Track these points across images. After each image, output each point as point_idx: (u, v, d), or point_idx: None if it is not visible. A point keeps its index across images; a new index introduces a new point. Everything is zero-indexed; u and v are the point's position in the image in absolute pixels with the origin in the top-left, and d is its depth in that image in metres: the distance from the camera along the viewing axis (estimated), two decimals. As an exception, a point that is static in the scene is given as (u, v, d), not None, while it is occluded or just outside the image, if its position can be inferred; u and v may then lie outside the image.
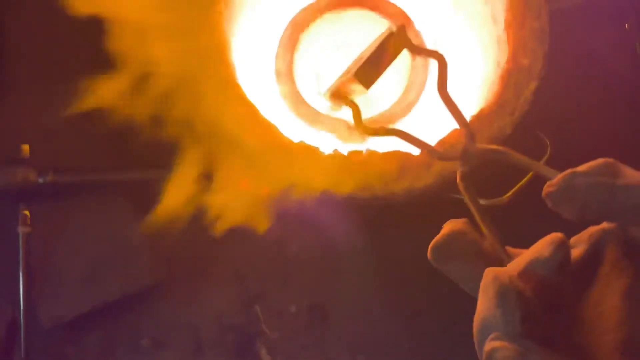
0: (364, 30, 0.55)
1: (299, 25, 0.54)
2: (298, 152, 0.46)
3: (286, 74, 0.53)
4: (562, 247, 0.24)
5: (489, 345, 0.24)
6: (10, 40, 0.75)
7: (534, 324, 0.24)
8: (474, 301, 0.73)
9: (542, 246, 0.25)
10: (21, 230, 0.65)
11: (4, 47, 0.75)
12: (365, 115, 0.57)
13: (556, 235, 0.25)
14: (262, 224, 0.54)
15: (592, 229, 0.26)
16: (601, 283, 0.25)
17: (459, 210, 0.62)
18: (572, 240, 0.27)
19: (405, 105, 0.55)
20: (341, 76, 0.50)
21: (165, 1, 0.44)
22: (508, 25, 0.46)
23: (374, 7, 0.53)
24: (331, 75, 0.52)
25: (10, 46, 0.75)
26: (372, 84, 0.47)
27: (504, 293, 0.24)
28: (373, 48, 0.46)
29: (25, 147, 0.66)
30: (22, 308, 0.64)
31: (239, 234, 0.71)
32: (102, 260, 0.66)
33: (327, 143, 0.49)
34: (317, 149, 0.45)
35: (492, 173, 0.46)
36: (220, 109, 0.46)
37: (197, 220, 0.71)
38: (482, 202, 0.46)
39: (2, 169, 0.65)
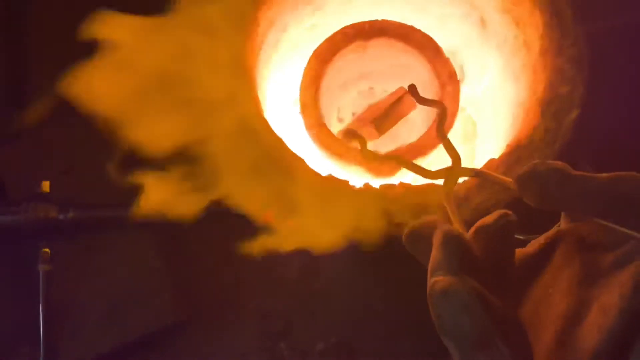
0: (390, 58, 0.54)
1: (322, 56, 0.53)
2: (327, 186, 0.44)
3: (311, 105, 0.51)
4: (505, 217, 0.28)
5: (431, 282, 0.26)
6: (30, 78, 0.76)
7: (475, 272, 0.26)
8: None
9: (490, 216, 0.29)
10: (42, 268, 0.64)
11: (23, 82, 0.76)
12: (392, 147, 0.56)
13: (504, 211, 0.28)
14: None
15: (549, 232, 0.29)
16: (552, 271, 0.28)
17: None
18: (532, 242, 0.30)
19: (432, 138, 0.53)
20: (356, 120, 0.53)
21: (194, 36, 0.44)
22: (544, 52, 0.44)
23: (400, 37, 0.51)
24: (352, 107, 0.51)
25: (29, 82, 0.75)
26: (385, 132, 0.53)
27: (446, 239, 0.27)
28: (388, 102, 0.52)
29: (46, 183, 0.66)
30: (42, 348, 0.63)
31: (262, 269, 0.70)
32: (123, 299, 0.65)
33: (356, 178, 0.48)
34: (346, 182, 0.44)
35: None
36: (247, 143, 0.45)
37: (218, 257, 0.70)
38: (521, 237, 0.44)
39: (22, 206, 0.64)
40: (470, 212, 0.40)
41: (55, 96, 0.73)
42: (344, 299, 0.69)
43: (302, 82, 0.52)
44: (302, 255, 0.70)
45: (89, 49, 0.76)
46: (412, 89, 0.38)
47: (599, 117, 0.35)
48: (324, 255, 0.69)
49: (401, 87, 0.53)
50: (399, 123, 0.54)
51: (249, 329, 0.68)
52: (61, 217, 0.64)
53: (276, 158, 0.44)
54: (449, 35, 0.57)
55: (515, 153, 0.41)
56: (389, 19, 0.54)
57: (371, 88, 0.64)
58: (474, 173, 0.33)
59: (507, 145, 0.43)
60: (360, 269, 0.70)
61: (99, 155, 0.69)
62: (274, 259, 0.70)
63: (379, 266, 0.70)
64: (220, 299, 0.69)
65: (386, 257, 0.70)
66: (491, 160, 0.42)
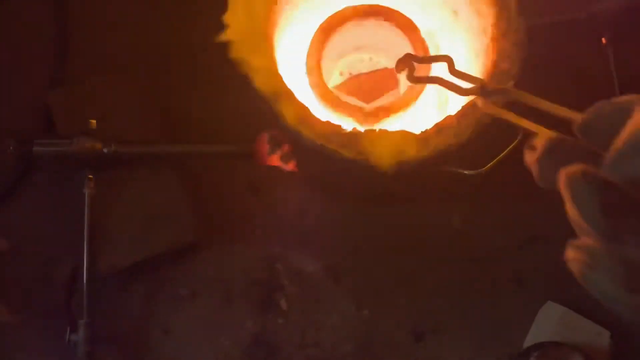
0: (380, 35, 0.68)
1: (326, 30, 0.67)
2: (324, 129, 0.58)
3: (315, 68, 0.65)
4: None
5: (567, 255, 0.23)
6: (75, 30, 0.89)
7: (622, 216, 0.22)
8: (460, 267, 0.87)
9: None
10: (86, 192, 0.78)
11: (69, 36, 0.88)
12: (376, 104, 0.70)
13: None
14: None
15: None
16: None
17: (443, 190, 0.74)
18: None
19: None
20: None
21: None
22: (494, 37, 0.58)
23: (388, 18, 0.66)
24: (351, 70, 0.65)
25: (75, 35, 0.88)
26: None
27: (573, 185, 0.23)
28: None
29: (93, 122, 0.79)
30: (85, 257, 0.77)
31: (266, 203, 0.84)
32: (152, 219, 0.79)
33: (347, 124, 0.62)
34: (339, 126, 0.58)
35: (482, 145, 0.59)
36: (265, 92, 0.59)
37: (231, 189, 0.85)
38: (466, 172, 0.59)
39: (73, 139, 0.77)
40: (428, 152, 0.55)
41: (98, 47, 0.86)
42: (331, 234, 0.85)
43: (309, 49, 0.66)
44: (298, 194, 0.85)
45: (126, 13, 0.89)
46: (449, 60, 0.50)
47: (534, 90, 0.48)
48: (316, 196, 0.84)
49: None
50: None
51: (252, 251, 0.83)
52: (105, 150, 0.78)
53: (287, 104, 0.58)
54: (429, 20, 0.71)
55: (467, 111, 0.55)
56: (380, 4, 0.68)
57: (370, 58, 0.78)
58: (504, 91, 0.40)
59: (462, 107, 0.58)
60: (346, 210, 0.85)
61: (136, 100, 0.83)
62: (275, 197, 0.85)
63: (363, 205, 0.85)
64: (230, 225, 0.84)
65: (368, 199, 0.85)
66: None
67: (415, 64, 0.55)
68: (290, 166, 0.76)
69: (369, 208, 0.84)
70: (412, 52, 0.66)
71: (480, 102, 0.43)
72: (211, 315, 0.81)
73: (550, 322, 0.78)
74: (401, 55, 0.56)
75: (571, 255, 0.26)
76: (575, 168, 0.25)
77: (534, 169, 0.28)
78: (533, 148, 0.28)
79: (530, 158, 0.28)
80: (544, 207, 0.83)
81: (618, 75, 0.84)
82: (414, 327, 0.82)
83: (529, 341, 0.79)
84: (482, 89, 0.41)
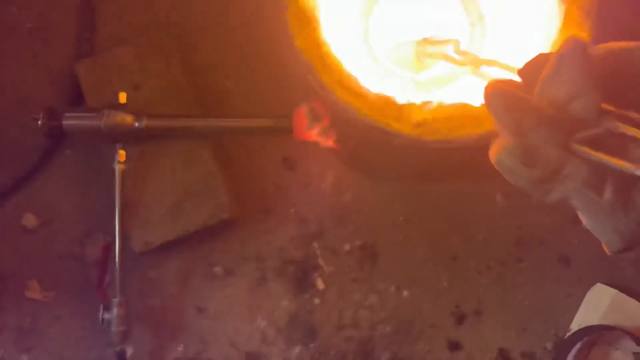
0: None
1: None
2: (375, 101, 0.55)
3: (364, 37, 0.61)
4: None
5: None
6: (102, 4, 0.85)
7: (521, 114, 0.33)
8: (505, 247, 0.83)
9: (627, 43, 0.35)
10: (117, 166, 0.75)
11: (97, 5, 0.85)
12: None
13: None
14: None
15: None
16: None
17: (488, 167, 0.71)
18: None
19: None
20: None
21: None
22: (560, 2, 0.54)
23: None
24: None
25: (102, 5, 0.85)
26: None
27: (490, 96, 0.34)
28: None
29: (123, 95, 0.76)
30: (117, 234, 0.75)
31: (302, 180, 0.81)
32: (185, 196, 0.76)
33: (399, 96, 0.58)
34: (392, 98, 0.54)
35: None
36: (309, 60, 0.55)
37: (266, 165, 0.82)
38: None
39: (103, 112, 0.74)
40: (490, 127, 0.51)
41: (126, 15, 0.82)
42: (368, 211, 0.81)
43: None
44: (335, 170, 0.81)
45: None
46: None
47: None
48: (353, 173, 0.81)
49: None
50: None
51: (288, 229, 0.81)
52: (136, 124, 0.74)
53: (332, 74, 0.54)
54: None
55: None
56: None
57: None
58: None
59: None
60: (385, 188, 0.82)
61: (166, 73, 0.79)
62: (311, 174, 0.82)
63: (402, 184, 0.81)
64: (266, 203, 0.81)
65: (410, 177, 0.82)
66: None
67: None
68: (329, 142, 0.72)
69: (410, 186, 0.81)
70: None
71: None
72: (246, 294, 0.79)
73: (599, 304, 0.75)
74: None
75: (492, 150, 0.35)
76: (492, 83, 0.35)
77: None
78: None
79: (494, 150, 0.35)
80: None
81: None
82: (455, 308, 0.79)
83: (576, 324, 0.76)
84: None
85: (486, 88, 0.34)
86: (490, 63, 0.49)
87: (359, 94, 0.54)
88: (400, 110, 0.54)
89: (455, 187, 0.81)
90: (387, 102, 0.54)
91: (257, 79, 0.81)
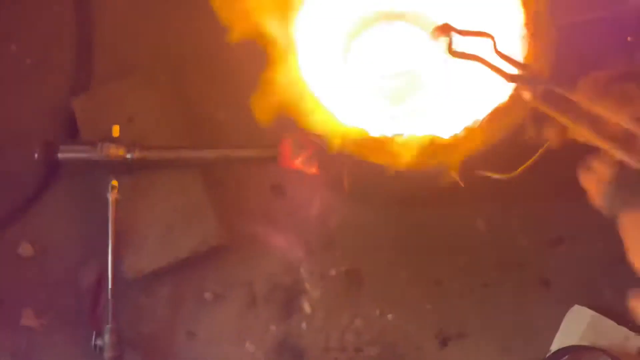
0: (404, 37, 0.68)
1: (351, 36, 0.66)
2: (351, 134, 0.58)
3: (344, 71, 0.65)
4: None
5: None
6: (98, 36, 0.89)
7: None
8: (487, 270, 0.85)
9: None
10: (110, 197, 0.78)
11: (93, 41, 0.89)
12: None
13: None
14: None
15: None
16: None
17: (468, 193, 0.74)
18: None
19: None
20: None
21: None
22: (524, 37, 0.58)
23: (415, 21, 0.65)
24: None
25: (98, 41, 0.89)
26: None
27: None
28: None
29: (116, 127, 0.80)
30: (109, 262, 0.77)
31: (289, 206, 0.84)
32: (175, 224, 0.79)
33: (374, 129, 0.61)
34: (366, 131, 0.58)
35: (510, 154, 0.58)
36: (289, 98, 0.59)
37: (255, 192, 0.85)
38: (496, 176, 0.58)
39: (97, 145, 0.78)
40: (458, 156, 0.55)
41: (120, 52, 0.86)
42: (354, 236, 0.84)
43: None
44: (321, 196, 0.84)
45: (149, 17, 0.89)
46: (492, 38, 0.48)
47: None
48: (339, 199, 0.84)
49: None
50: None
51: (276, 255, 0.83)
52: (128, 156, 0.78)
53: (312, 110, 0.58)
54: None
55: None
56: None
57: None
58: (555, 84, 0.42)
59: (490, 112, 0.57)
60: (370, 213, 0.84)
61: (159, 106, 0.83)
62: (299, 200, 0.85)
63: (386, 209, 0.84)
64: (255, 229, 0.84)
65: (393, 200, 0.84)
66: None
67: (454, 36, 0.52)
68: (313, 169, 0.76)
69: (394, 211, 0.84)
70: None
71: (527, 95, 0.41)
72: (236, 319, 0.81)
73: (577, 326, 0.77)
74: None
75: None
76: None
77: (594, 193, 0.35)
78: (591, 169, 0.33)
79: (588, 181, 0.35)
80: (569, 208, 0.82)
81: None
82: (439, 331, 0.81)
83: (556, 344, 0.78)
84: (531, 78, 0.40)
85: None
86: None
87: (335, 127, 0.57)
88: (375, 143, 0.57)
89: (437, 212, 0.84)
90: (362, 135, 0.57)
91: (246, 111, 0.84)
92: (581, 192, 0.82)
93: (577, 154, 0.75)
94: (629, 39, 0.85)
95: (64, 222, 0.83)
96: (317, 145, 0.66)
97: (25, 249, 0.83)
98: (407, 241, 0.84)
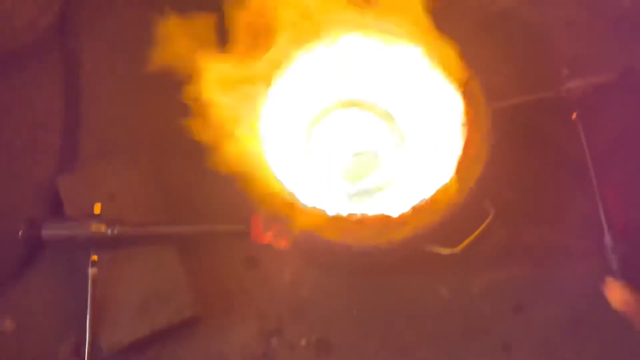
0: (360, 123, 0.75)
1: (313, 123, 0.73)
2: (309, 214, 0.63)
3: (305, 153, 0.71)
4: None
5: None
6: (84, 119, 0.96)
7: None
8: (452, 337, 0.89)
9: None
10: (90, 272, 0.82)
11: (79, 125, 0.96)
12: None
13: None
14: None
15: None
16: None
17: (430, 261, 0.78)
18: None
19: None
20: None
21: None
22: (462, 125, 0.64)
23: (368, 109, 0.72)
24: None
25: (84, 124, 0.96)
26: None
27: None
28: None
29: (98, 205, 0.85)
30: (87, 333, 0.80)
31: (261, 278, 0.88)
32: (152, 296, 0.83)
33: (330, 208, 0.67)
34: (323, 211, 0.63)
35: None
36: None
37: (228, 265, 0.89)
38: (442, 251, 0.63)
39: (78, 222, 0.83)
40: (406, 233, 0.60)
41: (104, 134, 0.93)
42: (324, 304, 0.88)
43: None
44: (292, 268, 0.88)
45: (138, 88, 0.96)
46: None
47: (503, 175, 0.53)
48: (309, 270, 0.88)
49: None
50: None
51: (249, 326, 0.86)
52: (109, 232, 0.82)
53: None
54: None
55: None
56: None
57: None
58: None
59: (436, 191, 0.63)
60: (339, 282, 0.89)
61: (138, 184, 0.88)
62: (270, 271, 0.89)
63: (354, 277, 0.88)
64: (229, 301, 0.87)
65: (360, 270, 0.89)
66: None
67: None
68: (282, 243, 0.81)
69: (359, 280, 0.88)
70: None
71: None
72: (210, 392, 0.83)
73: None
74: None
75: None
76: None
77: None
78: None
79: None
80: (526, 275, 0.88)
81: (589, 148, 0.89)
82: (406, 398, 0.83)
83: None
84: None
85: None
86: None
87: (294, 207, 0.63)
88: (331, 221, 0.62)
89: (403, 280, 0.88)
90: (319, 214, 0.62)
91: (218, 187, 0.90)
92: (538, 260, 0.88)
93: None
94: (573, 116, 0.93)
95: (44, 297, 0.86)
96: (283, 223, 0.71)
97: (7, 325, 0.85)
98: (374, 309, 0.87)
